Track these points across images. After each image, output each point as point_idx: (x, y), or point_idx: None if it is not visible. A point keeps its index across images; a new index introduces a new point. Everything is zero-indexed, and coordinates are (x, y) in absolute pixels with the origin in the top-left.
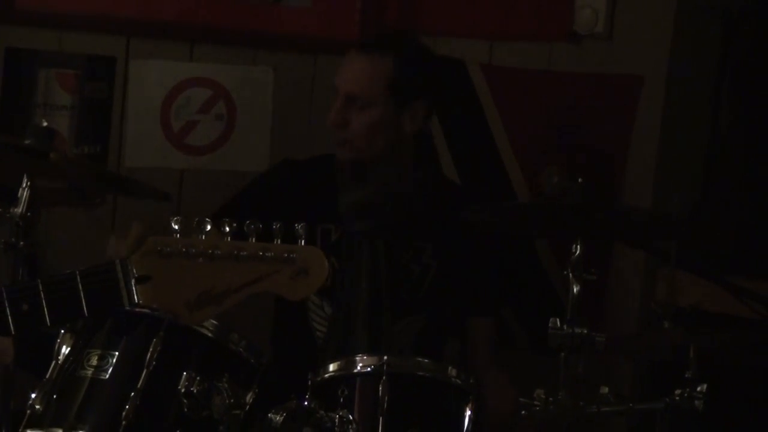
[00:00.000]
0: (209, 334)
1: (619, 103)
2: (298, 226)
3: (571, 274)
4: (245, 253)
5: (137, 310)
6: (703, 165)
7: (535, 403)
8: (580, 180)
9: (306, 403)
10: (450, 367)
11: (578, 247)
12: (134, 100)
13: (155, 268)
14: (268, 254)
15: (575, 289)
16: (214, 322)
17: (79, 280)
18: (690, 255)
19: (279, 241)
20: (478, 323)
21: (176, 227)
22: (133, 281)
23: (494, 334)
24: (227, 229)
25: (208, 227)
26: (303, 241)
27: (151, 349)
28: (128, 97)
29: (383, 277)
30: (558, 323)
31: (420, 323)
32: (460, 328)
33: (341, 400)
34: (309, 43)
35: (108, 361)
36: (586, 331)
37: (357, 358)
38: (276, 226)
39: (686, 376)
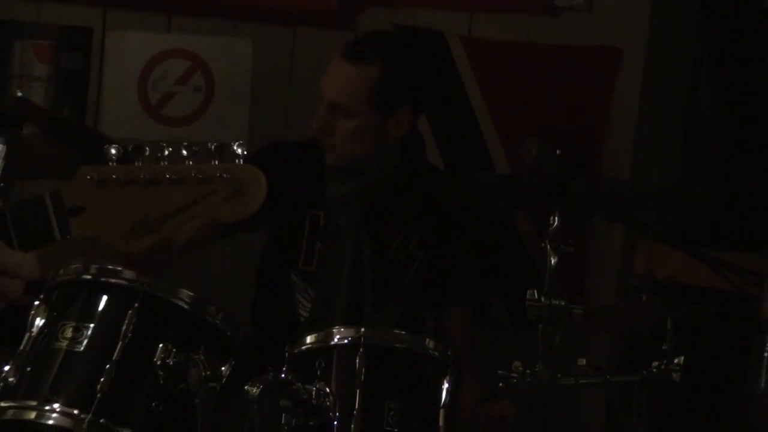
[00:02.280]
0: (185, 306)
1: (598, 75)
2: (234, 144)
3: (548, 246)
4: (179, 176)
5: (113, 281)
6: (682, 137)
7: (513, 375)
8: (558, 152)
9: (283, 375)
10: (428, 339)
11: (556, 218)
12: (111, 71)
13: (88, 198)
14: (201, 176)
15: (553, 261)
16: (190, 293)
17: (8, 216)
18: (668, 227)
19: (217, 162)
20: (456, 312)
21: (112, 153)
22: (65, 213)
23: (469, 323)
24: (166, 153)
25: (147, 152)
26: (241, 161)
27: (126, 321)
28: (105, 68)
29: (366, 265)
30: (536, 295)
31: (401, 310)
32: (438, 313)
33: (318, 372)
34: (288, 14)
35: (83, 333)
36: (563, 303)
37: (334, 330)
38: (212, 144)
39: (663, 348)
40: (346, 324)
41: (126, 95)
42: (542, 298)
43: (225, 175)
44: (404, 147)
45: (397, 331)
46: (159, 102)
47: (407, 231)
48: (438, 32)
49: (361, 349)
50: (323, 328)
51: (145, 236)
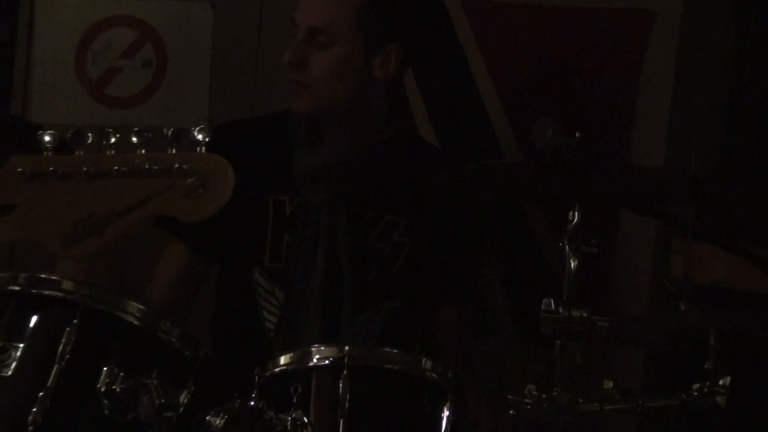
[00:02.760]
0: (135, 322)
1: (625, 43)
2: (194, 129)
3: (567, 247)
4: (129, 167)
5: (46, 292)
6: (725, 116)
7: (526, 400)
8: (578, 134)
9: (252, 403)
10: (424, 359)
11: (576, 214)
12: (42, 43)
13: (20, 194)
14: (156, 167)
15: (572, 265)
16: (141, 306)
17: None
18: (710, 223)
19: (174, 150)
20: (447, 312)
21: (47, 140)
22: None
23: (461, 324)
24: (112, 140)
25: (89, 140)
26: (203, 149)
27: (63, 340)
28: (35, 39)
29: (344, 256)
30: (552, 305)
31: (388, 313)
32: (430, 317)
33: (294, 399)
34: None
35: (10, 355)
36: (585, 315)
37: (313, 349)
38: (168, 130)
39: (706, 367)
40: (319, 334)
41: (61, 72)
42: (560, 309)
43: (184, 166)
44: (387, 103)
45: (387, 350)
46: (101, 79)
47: (390, 215)
48: None
49: (345, 372)
50: (293, 342)
51: (88, 238)
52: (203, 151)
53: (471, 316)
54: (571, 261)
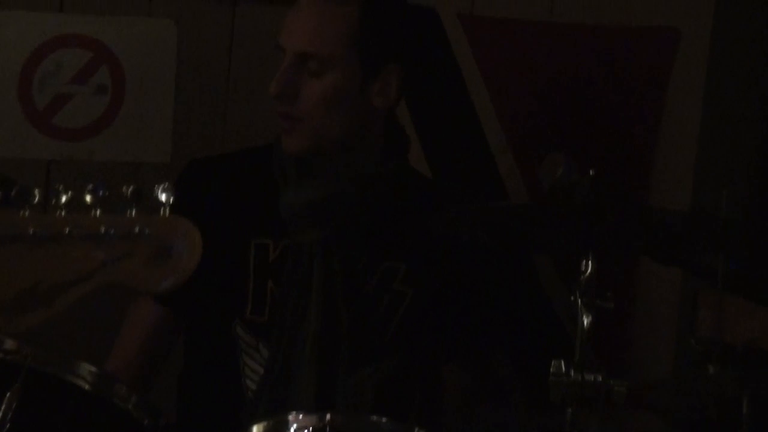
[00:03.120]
0: (86, 386)
1: (646, 66)
2: (158, 188)
3: (580, 301)
4: (82, 231)
5: None
6: (760, 151)
7: None
8: (592, 171)
9: None
10: (417, 429)
11: (590, 263)
12: None
13: None
14: (113, 231)
15: (586, 321)
16: (93, 368)
17: None
18: (742, 273)
19: (134, 213)
20: (452, 372)
21: None
22: None
23: (468, 387)
24: (63, 198)
25: (36, 198)
26: (167, 211)
27: (4, 407)
28: None
29: (341, 306)
30: (562, 367)
31: (386, 372)
32: (433, 377)
33: None
34: None
35: None
36: (600, 378)
37: (290, 417)
38: (128, 189)
39: None
40: (311, 397)
41: (2, 99)
42: (571, 372)
43: (146, 231)
44: (385, 134)
45: (375, 418)
46: (48, 107)
47: (390, 261)
48: (429, 8)
49: None
50: (280, 406)
51: (32, 311)
52: (167, 214)
53: (478, 378)
54: (585, 317)
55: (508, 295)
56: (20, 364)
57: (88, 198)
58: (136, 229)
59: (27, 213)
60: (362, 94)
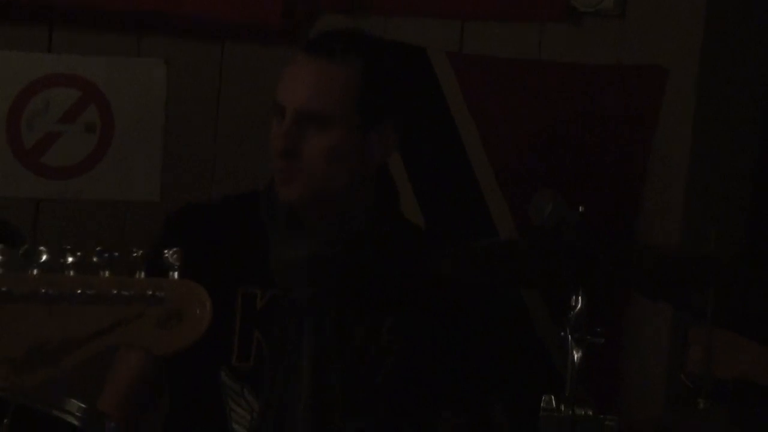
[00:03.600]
0: (75, 422)
1: (635, 104)
2: (168, 253)
3: (570, 337)
4: (93, 291)
5: None
6: (750, 188)
7: None
8: (581, 208)
9: None
10: None
11: (580, 299)
12: None
13: None
14: (125, 293)
15: (576, 356)
16: (82, 405)
17: None
18: (733, 309)
19: (143, 275)
20: (446, 424)
21: None
22: None
23: None
24: (70, 258)
25: (44, 257)
26: (176, 274)
27: None
28: None
29: (333, 363)
30: (553, 402)
31: (380, 423)
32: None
33: None
34: (214, 26)
35: None
36: (591, 413)
37: None
38: (137, 253)
39: None
40: None
41: None
42: (562, 407)
43: (158, 294)
44: (377, 188)
45: None
46: (37, 146)
47: (377, 312)
48: (418, 48)
49: None
50: None
51: (40, 368)
52: (176, 277)
53: (472, 425)
54: (575, 352)
55: (498, 338)
56: (7, 400)
57: (95, 258)
58: (149, 292)
59: (36, 272)
60: (362, 149)
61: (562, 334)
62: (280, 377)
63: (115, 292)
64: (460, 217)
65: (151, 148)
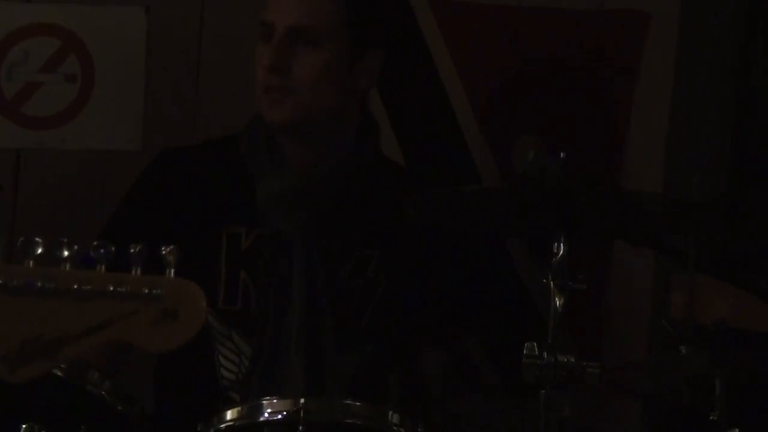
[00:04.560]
0: (58, 372)
1: (617, 49)
2: (165, 250)
3: (552, 283)
4: (89, 287)
5: None
6: (731, 134)
7: None
8: (563, 155)
9: None
10: (391, 412)
11: (562, 246)
12: None
13: None
14: (121, 289)
15: (558, 303)
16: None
17: None
18: (715, 255)
19: (139, 271)
20: (431, 354)
21: None
22: None
23: (448, 367)
24: (66, 252)
25: (39, 250)
26: (173, 272)
27: None
28: None
29: (321, 295)
30: (535, 349)
31: (367, 358)
32: (407, 362)
33: None
34: None
35: None
36: (573, 360)
37: (264, 402)
38: (135, 249)
39: (711, 419)
40: (307, 383)
41: None
42: (544, 354)
43: (155, 291)
44: (359, 123)
45: (349, 402)
46: (17, 96)
47: (363, 248)
48: None
49: (300, 428)
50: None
51: (35, 361)
52: (172, 274)
53: (455, 360)
54: (557, 299)
55: (481, 279)
56: None
57: (91, 253)
58: (145, 290)
59: (32, 264)
60: (349, 73)
61: (545, 281)
62: (271, 317)
63: (111, 288)
64: (442, 162)
65: (132, 97)
